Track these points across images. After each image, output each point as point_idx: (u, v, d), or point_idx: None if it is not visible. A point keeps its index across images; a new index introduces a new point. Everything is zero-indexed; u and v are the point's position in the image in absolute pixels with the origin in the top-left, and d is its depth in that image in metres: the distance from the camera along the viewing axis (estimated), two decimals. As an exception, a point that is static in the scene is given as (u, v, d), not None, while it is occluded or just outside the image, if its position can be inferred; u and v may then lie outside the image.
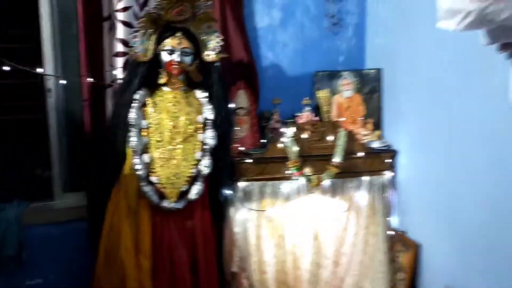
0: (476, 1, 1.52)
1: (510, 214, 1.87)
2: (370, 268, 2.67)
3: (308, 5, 3.00)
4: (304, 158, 2.58)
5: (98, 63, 2.58)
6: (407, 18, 2.60)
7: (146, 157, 2.33)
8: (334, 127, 2.67)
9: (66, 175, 2.71)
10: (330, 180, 2.60)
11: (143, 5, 2.61)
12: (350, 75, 2.94)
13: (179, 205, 2.36)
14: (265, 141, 2.75)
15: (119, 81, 2.53)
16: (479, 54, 1.96)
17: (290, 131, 2.58)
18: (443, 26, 1.61)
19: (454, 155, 2.22)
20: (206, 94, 2.46)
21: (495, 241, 1.96)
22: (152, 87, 2.43)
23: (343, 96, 2.93)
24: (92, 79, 2.51)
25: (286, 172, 2.59)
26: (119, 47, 2.56)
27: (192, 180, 2.39)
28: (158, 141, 2.36)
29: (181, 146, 2.38)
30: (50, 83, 2.61)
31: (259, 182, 2.60)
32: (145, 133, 2.36)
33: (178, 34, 2.36)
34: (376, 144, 2.74)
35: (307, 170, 2.59)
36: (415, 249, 2.53)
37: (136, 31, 2.35)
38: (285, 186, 2.62)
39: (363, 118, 2.91)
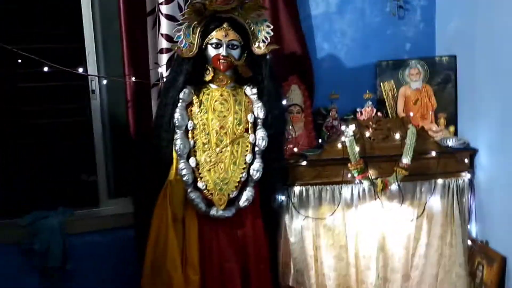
0: None
1: None
2: (445, 283, 2.39)
3: None
4: (367, 159, 2.34)
5: (142, 61, 2.46)
6: None
7: (192, 161, 2.17)
8: (402, 123, 2.40)
9: (111, 180, 2.61)
10: (398, 183, 2.34)
11: (190, -4, 2.43)
12: (418, 64, 2.69)
13: (228, 213, 2.19)
14: (322, 141, 2.54)
15: (164, 80, 2.37)
16: None
17: (350, 129, 2.34)
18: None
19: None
20: (256, 90, 2.26)
21: None
22: (198, 85, 2.26)
23: (411, 87, 2.69)
24: (134, 79, 2.37)
25: (347, 175, 2.35)
26: (164, 43, 2.41)
27: (242, 185, 2.21)
28: (205, 144, 2.20)
29: (229, 148, 2.19)
30: (93, 84, 2.50)
31: (316, 187, 2.38)
32: (191, 135, 2.19)
33: (225, 25, 2.17)
34: (450, 142, 2.46)
35: (371, 173, 2.35)
36: (499, 262, 2.23)
37: (180, 25, 2.18)
38: (346, 191, 2.39)
39: (434, 112, 2.64)
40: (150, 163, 2.32)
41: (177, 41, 2.19)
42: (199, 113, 2.20)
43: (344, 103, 2.65)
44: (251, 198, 2.20)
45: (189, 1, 2.15)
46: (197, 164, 2.17)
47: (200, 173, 2.17)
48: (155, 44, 2.46)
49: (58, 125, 2.64)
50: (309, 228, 2.38)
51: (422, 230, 2.41)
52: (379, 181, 2.32)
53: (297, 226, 2.37)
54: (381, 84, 2.69)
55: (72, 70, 2.17)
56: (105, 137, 2.59)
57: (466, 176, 2.41)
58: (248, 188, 2.21)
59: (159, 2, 2.38)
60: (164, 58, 2.42)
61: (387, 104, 2.69)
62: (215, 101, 2.22)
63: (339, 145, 2.34)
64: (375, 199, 2.37)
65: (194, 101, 2.22)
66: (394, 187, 2.34)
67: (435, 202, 2.40)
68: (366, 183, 2.33)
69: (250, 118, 2.23)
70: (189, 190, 2.15)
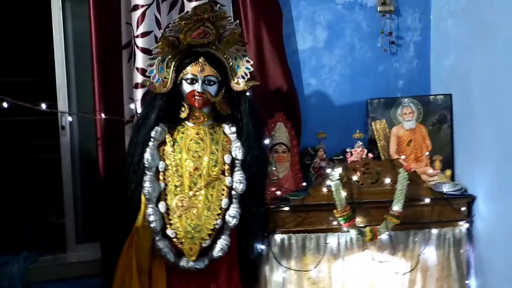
0: None
1: None
2: None
3: (359, 22, 2.67)
4: (355, 206, 2.19)
5: (115, 97, 2.35)
6: (483, 33, 2.21)
7: (161, 206, 2.00)
8: (393, 166, 2.25)
9: (80, 223, 2.44)
10: (389, 233, 2.18)
11: (165, 29, 2.31)
12: (411, 103, 2.57)
13: (201, 265, 2.01)
14: (309, 183, 2.40)
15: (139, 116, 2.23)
16: None
17: (336, 171, 2.18)
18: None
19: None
20: (235, 129, 2.12)
21: None
22: (173, 122, 2.12)
23: (404, 127, 2.56)
24: (104, 115, 2.24)
25: (333, 222, 2.20)
26: (139, 78, 2.30)
27: (217, 233, 2.03)
28: (177, 186, 2.03)
29: (203, 192, 2.03)
30: (63, 120, 2.38)
31: (299, 235, 2.22)
32: (162, 177, 2.03)
33: (201, 60, 2.04)
34: (446, 188, 2.32)
35: (359, 221, 2.20)
36: (504, 325, 1.98)
37: (153, 58, 2.05)
38: (332, 240, 2.22)
39: (429, 154, 2.51)
40: (118, 206, 2.15)
41: (149, 76, 2.06)
42: (172, 152, 2.05)
43: (333, 142, 2.55)
44: (226, 247, 2.02)
45: (161, 34, 2.03)
46: (168, 209, 2.00)
47: (170, 219, 2.00)
48: (130, 79, 2.34)
49: (28, 161, 2.51)
50: (292, 281, 2.21)
51: (416, 285, 2.24)
52: (367, 229, 2.14)
53: (278, 279, 2.21)
54: (372, 123, 2.58)
55: (34, 106, 2.02)
56: (75, 176, 2.45)
57: (463, 225, 2.25)
58: (223, 237, 2.03)
59: (135, 35, 2.28)
60: (139, 93, 2.30)
61: (378, 144, 2.56)
62: (190, 140, 2.08)
63: (324, 190, 2.19)
64: (363, 249, 2.21)
65: (167, 140, 2.07)
66: (384, 236, 2.18)
67: (429, 253, 2.24)
68: (353, 232, 2.16)
69: (227, 159, 2.08)
70: (157, 238, 1.98)
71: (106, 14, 2.28)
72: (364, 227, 2.17)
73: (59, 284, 2.32)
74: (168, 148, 2.06)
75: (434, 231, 2.23)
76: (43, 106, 2.10)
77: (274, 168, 2.39)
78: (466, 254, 2.26)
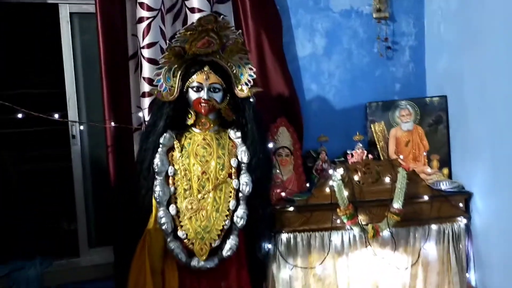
0: None
1: None
2: (446, 336, 2.24)
3: (356, 28, 2.75)
4: (357, 204, 2.25)
5: (123, 106, 2.42)
6: (474, 36, 2.30)
7: (172, 209, 2.08)
8: (392, 166, 2.31)
9: (92, 228, 2.51)
10: (390, 229, 2.24)
11: (170, 40, 2.41)
12: (408, 105, 2.65)
13: (211, 264, 2.08)
14: (312, 184, 2.46)
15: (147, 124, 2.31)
16: None
17: (338, 173, 2.25)
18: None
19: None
20: (240, 134, 2.20)
21: None
22: (180, 129, 2.20)
23: (402, 129, 2.63)
24: (114, 123, 2.31)
25: (337, 221, 2.26)
26: (146, 87, 2.38)
27: (225, 233, 2.11)
28: (186, 190, 2.11)
29: (211, 194, 2.10)
30: (74, 129, 2.45)
31: (304, 234, 2.29)
32: (172, 181, 2.11)
33: (206, 68, 2.13)
34: (444, 186, 2.38)
35: (362, 219, 2.26)
36: (502, 315, 2.06)
37: (159, 68, 2.14)
38: (336, 238, 2.28)
39: (426, 154, 2.58)
40: (130, 210, 2.22)
41: (157, 85, 2.14)
42: (180, 158, 2.13)
43: (334, 145, 2.60)
44: (235, 247, 2.10)
45: (168, 44, 2.12)
46: (178, 211, 2.08)
47: (180, 221, 2.07)
48: (137, 88, 2.43)
49: (39, 171, 2.58)
50: (298, 278, 2.27)
51: (418, 279, 2.31)
52: (370, 227, 2.22)
53: (285, 276, 2.27)
54: (372, 125, 2.65)
55: (47, 116, 2.10)
56: (86, 183, 2.52)
57: (461, 221, 2.32)
58: (231, 237, 2.11)
59: (141, 46, 2.36)
60: (146, 101, 2.38)
61: (378, 146, 2.63)
62: (198, 146, 2.16)
63: (327, 190, 2.26)
64: (366, 246, 2.27)
65: (175, 146, 2.15)
66: (386, 233, 2.24)
67: (430, 248, 2.30)
68: (356, 230, 2.24)
69: (233, 162, 2.16)
70: (168, 239, 2.05)
71: (113, 27, 2.35)
72: (366, 224, 2.24)
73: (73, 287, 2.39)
74: (176, 153, 2.14)
75: (434, 227, 2.29)
76: (56, 116, 2.19)
77: (278, 171, 2.44)
78: (465, 248, 2.32)
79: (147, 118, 2.35)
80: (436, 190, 2.33)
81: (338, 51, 2.73)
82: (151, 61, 2.34)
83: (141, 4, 2.34)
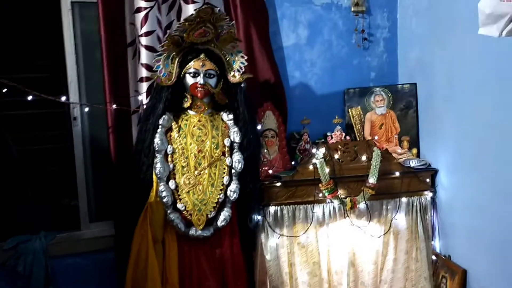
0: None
1: None
2: (413, 296, 2.49)
3: (336, 21, 2.93)
4: (337, 180, 2.47)
5: (122, 89, 2.55)
6: (443, 30, 2.50)
7: (171, 184, 2.27)
8: (368, 146, 2.54)
9: (92, 204, 2.66)
10: (366, 202, 2.47)
11: (166, 29, 2.58)
12: (382, 91, 2.85)
13: (207, 233, 2.28)
14: (295, 163, 2.66)
15: (144, 107, 2.48)
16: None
17: (320, 152, 2.47)
18: (484, 32, 1.50)
19: (501, 173, 2.07)
20: (232, 116, 2.39)
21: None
22: (177, 111, 2.38)
23: (376, 113, 2.84)
24: (116, 106, 2.46)
25: (318, 194, 2.48)
26: (144, 72, 2.53)
27: (220, 206, 2.31)
28: (184, 167, 2.30)
29: (207, 171, 2.30)
30: (75, 111, 2.59)
31: (290, 206, 2.49)
32: (171, 159, 2.29)
33: (202, 56, 2.31)
34: (413, 163, 2.61)
35: (341, 192, 2.48)
36: (461, 275, 2.36)
37: (159, 55, 2.30)
38: (318, 210, 2.50)
39: (398, 135, 2.80)
40: (130, 187, 2.37)
41: (156, 70, 2.31)
42: (178, 138, 2.31)
43: (315, 128, 2.77)
44: (228, 218, 2.30)
45: (168, 34, 2.29)
46: (176, 186, 2.27)
47: (179, 195, 2.26)
48: (135, 73, 2.56)
49: (41, 151, 2.71)
50: (284, 246, 2.48)
51: (389, 246, 2.53)
52: (348, 200, 2.45)
53: (273, 244, 2.47)
54: (349, 110, 2.84)
55: (55, 99, 2.25)
56: (86, 163, 2.64)
57: (428, 194, 2.56)
58: (225, 209, 2.31)
59: (139, 34, 2.50)
60: (144, 86, 2.53)
61: (355, 128, 2.83)
62: (194, 127, 2.34)
63: (311, 167, 2.47)
64: (345, 217, 2.49)
65: (173, 127, 2.33)
66: (362, 205, 2.47)
67: (400, 219, 2.53)
68: (336, 202, 2.46)
69: (226, 142, 2.35)
70: (168, 211, 2.24)
71: (113, 16, 2.47)
72: (345, 198, 2.46)
73: (76, 258, 2.54)
74: (174, 133, 2.32)
75: (404, 199, 2.52)
76: (63, 98, 2.34)
77: (265, 151, 2.63)
78: (431, 219, 2.56)
79: (145, 101, 2.51)
80: (406, 167, 2.55)
81: (319, 41, 2.90)
82: (149, 48, 2.49)
83: (139, -6, 2.49)
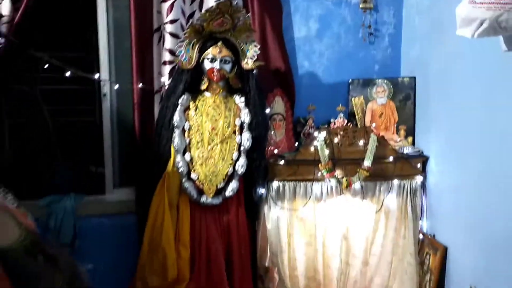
0: (491, 10, 1.63)
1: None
2: (398, 269, 2.74)
3: (345, 16, 3.12)
4: (335, 161, 2.70)
5: (148, 71, 2.83)
6: (441, 28, 2.66)
7: (187, 156, 2.55)
8: (366, 132, 2.76)
9: (116, 172, 2.97)
10: (361, 182, 2.70)
11: (189, 18, 2.84)
12: (384, 83, 3.04)
13: (216, 201, 2.56)
14: (300, 145, 2.90)
15: (166, 87, 2.76)
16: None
17: (322, 135, 2.70)
18: (460, 33, 1.74)
19: (484, 162, 2.27)
20: (244, 99, 2.65)
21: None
22: (195, 92, 2.65)
23: (377, 103, 3.04)
24: (142, 85, 2.75)
25: (318, 174, 2.71)
26: (167, 56, 2.80)
27: (229, 178, 2.58)
28: (199, 142, 2.57)
29: (219, 146, 2.58)
30: (105, 88, 2.89)
31: (291, 183, 2.73)
32: (187, 134, 2.58)
33: (219, 43, 2.57)
34: (407, 150, 2.81)
35: (338, 173, 2.71)
36: (442, 251, 2.58)
37: (182, 41, 2.58)
38: (317, 187, 2.74)
39: (396, 125, 3.01)
40: (151, 157, 2.67)
41: (178, 55, 2.58)
42: (194, 116, 2.60)
43: (320, 114, 2.97)
44: (236, 189, 2.57)
45: (190, 22, 2.57)
46: (191, 158, 2.55)
47: (193, 166, 2.55)
48: (159, 57, 2.83)
49: (73, 124, 3.03)
50: (284, 217, 2.72)
51: (380, 223, 2.74)
52: (344, 180, 2.67)
53: (274, 215, 2.72)
54: (352, 99, 3.04)
55: (89, 76, 2.56)
56: (113, 135, 2.94)
57: (419, 179, 2.75)
58: (233, 181, 2.58)
59: (164, 22, 2.76)
60: (166, 69, 2.80)
61: (356, 116, 3.02)
62: (209, 107, 2.61)
63: (312, 149, 2.71)
64: (340, 195, 2.72)
65: (191, 106, 2.61)
66: (357, 185, 2.68)
67: (391, 199, 2.73)
68: (333, 181, 2.69)
69: (237, 122, 2.62)
70: (183, 180, 2.52)
71: (142, 5, 2.75)
72: (342, 177, 2.67)
73: (101, 219, 2.84)
74: (191, 112, 2.60)
75: (396, 182, 2.72)
76: (95, 76, 2.65)
77: (272, 133, 2.88)
78: (419, 201, 2.75)
79: (167, 82, 2.80)
80: (400, 153, 2.76)
81: (328, 34, 3.09)
82: (173, 35, 2.76)
83: (166, -14, 2.76)
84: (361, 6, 3.10)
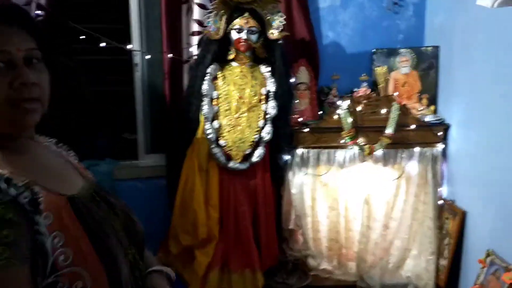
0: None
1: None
2: (418, 233, 2.84)
3: None
4: (358, 129, 2.78)
5: (177, 41, 2.92)
6: None
7: (215, 123, 2.67)
8: (388, 100, 2.82)
9: (148, 139, 3.12)
10: (382, 149, 2.78)
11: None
12: (408, 52, 3.07)
13: (243, 166, 2.68)
14: (323, 114, 2.98)
15: (195, 57, 2.86)
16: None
17: (345, 103, 2.78)
18: (480, 3, 1.78)
19: (504, 130, 2.31)
20: (269, 69, 2.73)
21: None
22: (222, 62, 2.74)
23: (401, 72, 3.07)
24: (172, 55, 2.86)
25: (341, 141, 2.80)
26: (195, 27, 2.88)
27: (255, 145, 2.69)
28: (226, 110, 2.69)
29: (246, 114, 2.68)
30: (137, 59, 3.01)
31: (315, 150, 2.83)
32: (216, 103, 2.69)
33: (246, 14, 2.64)
34: (429, 118, 2.86)
35: (361, 140, 2.79)
36: (461, 215, 2.66)
37: (210, 12, 2.66)
38: (340, 154, 2.84)
39: (419, 93, 3.04)
40: (181, 125, 2.79)
41: (206, 26, 2.67)
42: (222, 85, 2.70)
43: (343, 83, 3.02)
44: (262, 155, 2.68)
45: (218, -6, 2.65)
46: (220, 126, 2.67)
47: (221, 133, 2.67)
48: (188, 28, 2.92)
49: (106, 93, 3.18)
50: (308, 183, 2.83)
51: (401, 189, 2.82)
52: (366, 147, 2.76)
53: (298, 180, 2.83)
54: (376, 68, 3.07)
55: (122, 46, 2.68)
56: (144, 103, 3.08)
57: (440, 146, 2.81)
58: (260, 147, 2.68)
59: (193, -7, 2.87)
60: (195, 39, 2.89)
61: (379, 86, 3.05)
62: (236, 76, 2.71)
63: (335, 117, 2.79)
64: (363, 161, 2.81)
65: (219, 75, 2.71)
66: (379, 152, 2.77)
67: (412, 166, 2.79)
68: (356, 148, 2.78)
69: (263, 91, 2.71)
70: (212, 146, 2.64)
71: None
72: (364, 145, 2.76)
73: (135, 182, 3.01)
74: (219, 81, 2.71)
75: (417, 149, 2.78)
76: (128, 47, 2.78)
77: (297, 102, 2.95)
78: (440, 168, 2.81)
79: (195, 52, 2.90)
80: (422, 121, 2.81)
81: (352, 4, 3.11)
82: (201, 6, 2.81)
83: (194, -41, 2.82)
84: (385, -25, 3.11)
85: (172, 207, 2.74)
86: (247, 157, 2.69)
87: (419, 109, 3.00)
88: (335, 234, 2.89)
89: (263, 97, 2.72)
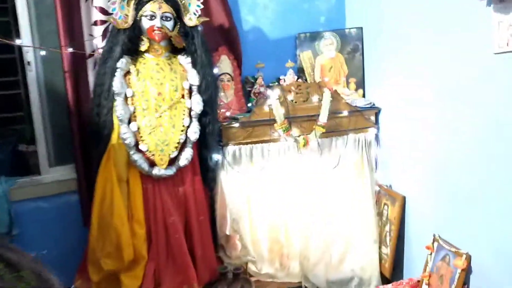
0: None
1: (493, 164, 1.93)
2: (358, 222, 2.74)
3: None
4: (291, 119, 2.61)
5: (76, 33, 2.52)
6: None
7: (133, 126, 2.33)
8: (319, 87, 2.68)
9: (51, 149, 2.67)
10: (317, 139, 2.64)
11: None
12: (331, 35, 2.95)
13: (170, 172, 2.38)
14: (251, 105, 2.77)
15: (100, 51, 2.48)
16: (460, 8, 2.00)
17: (275, 93, 2.59)
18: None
19: (437, 110, 2.26)
20: (190, 59, 2.45)
21: (479, 191, 2.02)
22: (134, 55, 2.41)
23: (326, 56, 2.95)
24: (72, 50, 2.45)
25: (274, 134, 2.62)
26: (97, 15, 2.51)
27: (181, 146, 2.41)
28: (145, 109, 2.37)
29: (167, 113, 2.39)
30: (29, 56, 2.54)
31: (247, 146, 2.62)
32: (131, 102, 2.35)
33: (158, -2, 2.32)
34: (359, 103, 2.78)
35: (295, 131, 2.63)
36: (400, 201, 2.60)
37: (114, -3, 2.30)
38: (274, 148, 2.65)
39: (346, 77, 2.95)
40: (90, 130, 2.42)
41: (111, 13, 2.32)
42: (137, 81, 2.36)
43: (269, 71, 2.85)
44: (190, 157, 2.41)
45: (123, -24, 2.28)
46: (138, 128, 2.33)
47: (141, 136, 2.34)
48: (89, 17, 2.53)
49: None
50: (242, 182, 2.62)
51: (338, 178, 2.70)
52: (301, 138, 2.61)
53: (232, 181, 2.61)
54: (301, 54, 2.94)
55: (10, 42, 2.21)
56: (43, 108, 2.62)
57: (372, 131, 2.75)
58: (187, 149, 2.41)
59: (91, -25, 2.47)
60: (98, 30, 2.52)
61: (305, 72, 2.94)
62: (152, 70, 2.39)
63: (266, 108, 2.60)
64: (298, 153, 2.65)
65: (131, 70, 2.37)
66: (314, 142, 2.64)
67: (347, 154, 2.71)
68: (290, 140, 2.62)
69: (185, 85, 2.43)
70: (131, 152, 2.31)
71: None
72: (299, 136, 2.61)
73: (38, 201, 2.56)
74: (132, 77, 2.37)
75: (351, 136, 2.70)
76: (18, 42, 2.30)
77: (222, 94, 2.71)
78: (374, 153, 2.76)
79: (100, 45, 2.52)
80: (353, 106, 2.72)
81: None
82: None
83: None
84: (301, -46, 2.95)
85: (88, 226, 2.36)
86: (173, 161, 2.40)
87: (347, 94, 2.90)
88: (275, 233, 2.71)
89: (186, 92, 2.44)
